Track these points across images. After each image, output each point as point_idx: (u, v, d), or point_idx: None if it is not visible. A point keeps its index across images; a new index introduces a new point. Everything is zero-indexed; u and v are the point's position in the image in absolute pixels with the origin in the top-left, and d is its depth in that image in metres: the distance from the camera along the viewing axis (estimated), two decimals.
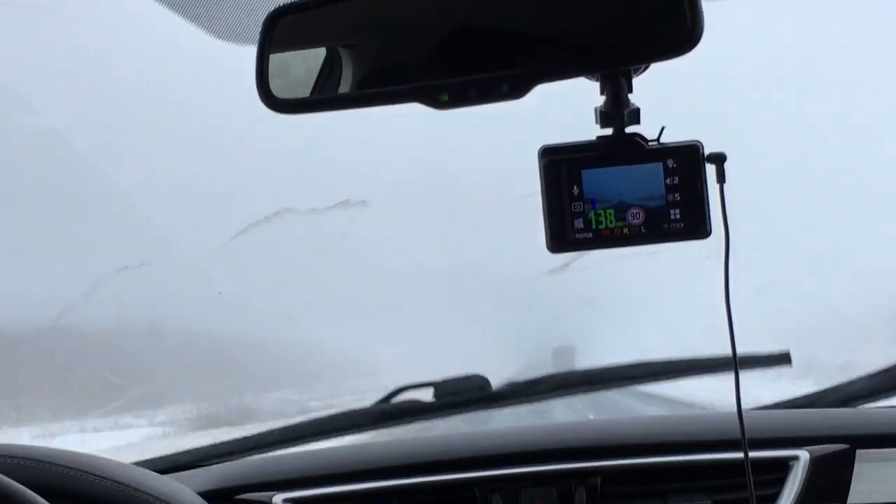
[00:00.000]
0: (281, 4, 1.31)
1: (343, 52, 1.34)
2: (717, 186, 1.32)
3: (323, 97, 1.36)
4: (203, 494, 1.91)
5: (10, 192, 13.68)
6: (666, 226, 1.32)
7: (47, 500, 1.31)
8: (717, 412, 2.36)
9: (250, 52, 1.36)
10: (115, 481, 1.60)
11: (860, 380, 2.39)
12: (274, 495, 2.03)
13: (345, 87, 1.33)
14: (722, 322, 1.40)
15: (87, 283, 11.17)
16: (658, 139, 1.34)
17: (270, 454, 2.47)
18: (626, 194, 1.32)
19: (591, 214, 1.33)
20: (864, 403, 2.35)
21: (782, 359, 2.63)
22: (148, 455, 2.35)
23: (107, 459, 1.70)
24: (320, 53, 1.36)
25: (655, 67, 1.31)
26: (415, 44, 1.30)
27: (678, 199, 1.31)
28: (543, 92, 1.25)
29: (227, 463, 2.30)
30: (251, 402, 13.99)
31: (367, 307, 18.18)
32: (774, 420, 2.16)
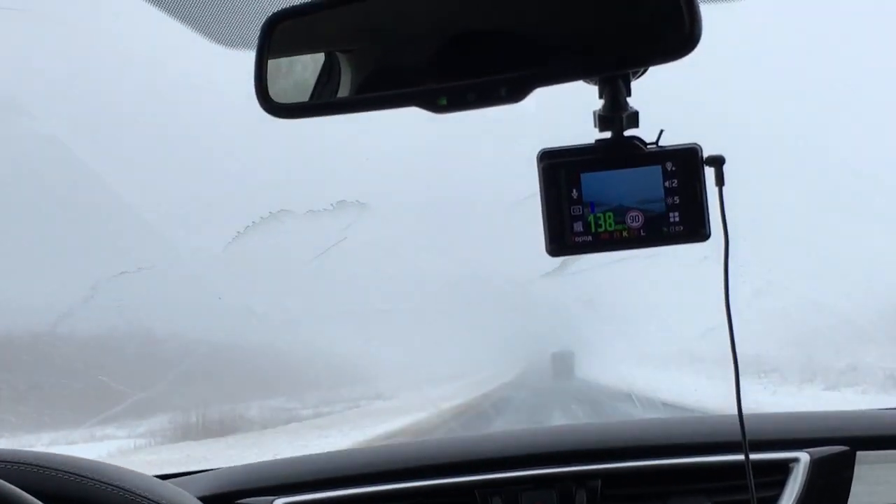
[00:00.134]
0: (279, 9, 1.31)
1: (342, 57, 1.34)
2: (716, 189, 1.33)
3: (322, 102, 1.35)
4: (203, 499, 1.91)
5: (8, 199, 13.67)
6: (665, 229, 1.32)
7: None
8: (717, 414, 2.36)
9: (248, 57, 1.36)
10: (116, 486, 1.60)
11: None
12: (274, 500, 2.03)
13: (343, 91, 1.33)
14: (721, 324, 1.40)
15: (87, 289, 11.16)
16: (657, 142, 1.34)
17: (270, 459, 2.47)
18: (626, 197, 1.32)
19: (591, 218, 1.33)
20: None
21: None
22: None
23: (107, 464, 1.70)
24: (319, 58, 1.36)
25: (654, 70, 1.31)
26: (413, 48, 1.30)
27: (677, 202, 1.31)
28: (542, 96, 1.25)
29: (228, 467, 2.30)
30: (240, 410, 13.97)
31: (366, 312, 18.16)
32: (775, 422, 2.17)
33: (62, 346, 12.06)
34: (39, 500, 1.30)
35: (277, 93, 1.31)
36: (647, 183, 1.32)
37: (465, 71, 1.24)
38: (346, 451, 2.55)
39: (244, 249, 11.63)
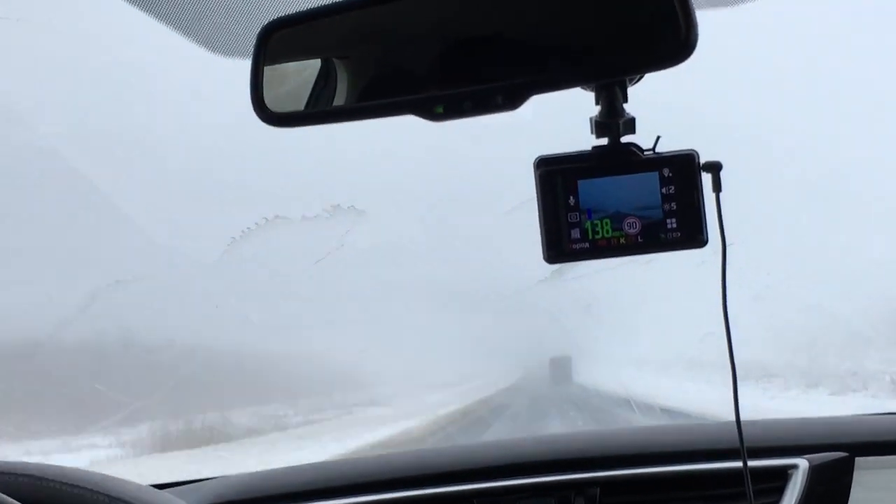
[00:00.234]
0: (274, 18, 1.31)
1: (338, 65, 1.34)
2: (713, 195, 1.32)
3: (318, 110, 1.35)
4: None
5: (6, 208, 13.67)
6: (662, 235, 1.32)
7: None
8: (715, 421, 2.36)
9: (243, 65, 1.36)
10: (114, 497, 1.59)
11: None
12: None
13: (339, 99, 1.33)
14: (719, 329, 1.40)
15: (84, 299, 11.16)
16: (654, 148, 1.34)
17: (265, 469, 2.46)
18: (623, 204, 1.32)
19: (588, 224, 1.33)
20: None
21: None
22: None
23: (106, 475, 1.70)
24: (315, 66, 1.36)
25: (650, 76, 1.31)
26: (410, 56, 1.30)
27: (674, 208, 1.31)
28: (539, 102, 1.25)
29: (223, 477, 2.30)
30: (225, 418, 13.95)
31: (364, 318, 18.16)
32: (773, 428, 2.16)
33: (59, 354, 12.05)
34: None
35: (273, 102, 1.31)
36: (645, 189, 1.32)
37: (461, 79, 1.24)
38: (343, 460, 2.55)
39: (240, 257, 11.62)
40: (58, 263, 14.31)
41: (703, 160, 1.32)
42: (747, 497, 1.47)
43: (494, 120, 1.27)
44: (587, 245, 1.33)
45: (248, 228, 11.05)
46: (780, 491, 1.92)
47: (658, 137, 1.34)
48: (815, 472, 1.93)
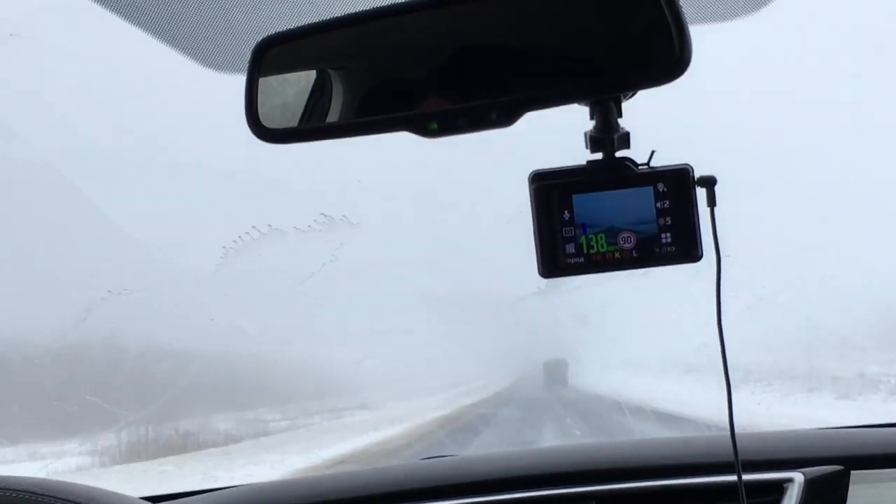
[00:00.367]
0: (268, 35, 1.31)
1: (332, 81, 1.34)
2: (708, 210, 1.33)
3: (312, 126, 1.35)
4: None
5: (0, 222, 13.67)
6: (657, 249, 1.32)
7: None
8: (710, 434, 2.35)
9: (236, 81, 1.36)
10: None
11: None
12: None
13: (334, 116, 1.33)
14: (713, 339, 1.40)
15: (80, 311, 11.14)
16: (648, 163, 1.34)
17: (263, 482, 2.45)
18: (617, 218, 1.32)
19: (583, 239, 1.33)
20: None
21: None
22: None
23: (103, 490, 1.69)
24: (309, 82, 1.36)
25: (644, 92, 1.31)
26: (403, 73, 1.30)
27: (669, 222, 1.31)
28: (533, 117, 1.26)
29: (220, 492, 2.29)
30: (208, 424, 13.89)
31: (360, 329, 18.14)
32: (768, 441, 2.16)
33: (55, 367, 12.03)
34: None
35: (268, 117, 1.31)
36: (639, 204, 1.32)
37: (455, 96, 1.24)
38: (338, 473, 2.54)
39: (235, 269, 11.61)
40: (56, 277, 14.30)
41: (697, 175, 1.33)
42: None
43: (490, 132, 1.27)
44: (582, 259, 1.33)
45: (240, 237, 11.02)
46: None
47: (653, 152, 1.34)
48: (810, 486, 1.92)
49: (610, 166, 1.35)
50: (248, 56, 1.31)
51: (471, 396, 18.77)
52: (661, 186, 1.32)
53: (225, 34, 1.81)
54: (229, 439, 13.56)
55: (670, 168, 1.33)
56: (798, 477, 1.94)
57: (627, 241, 1.32)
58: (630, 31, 1.23)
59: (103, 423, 11.48)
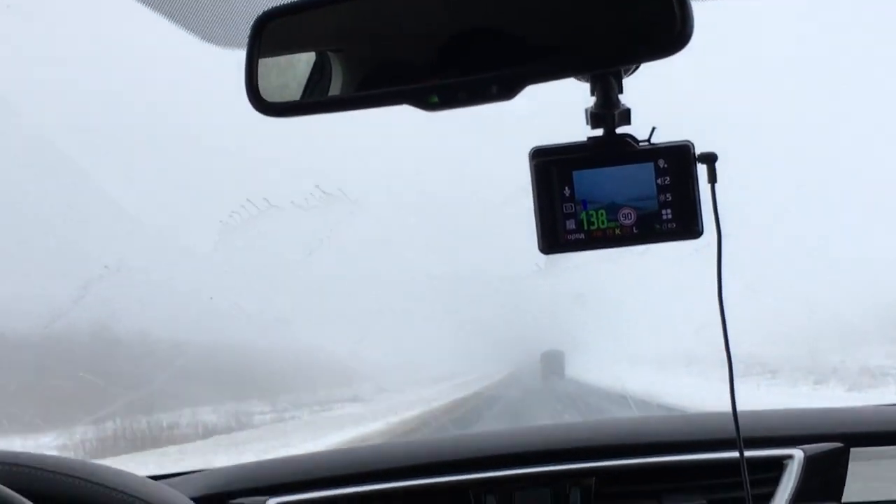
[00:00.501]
0: (269, 8, 1.30)
1: (333, 55, 1.33)
2: (709, 186, 1.32)
3: (312, 100, 1.35)
4: (197, 500, 1.91)
5: None
6: (658, 226, 1.31)
7: None
8: (711, 412, 2.36)
9: (236, 55, 1.35)
10: (109, 487, 1.59)
11: None
12: (266, 500, 2.03)
13: (335, 89, 1.32)
14: (714, 321, 1.40)
15: (77, 290, 11.14)
16: (649, 139, 1.33)
17: (262, 459, 2.46)
18: (618, 195, 1.32)
19: (583, 215, 1.33)
20: None
21: None
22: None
23: (101, 465, 1.69)
24: (310, 56, 1.35)
25: (646, 67, 1.31)
26: (405, 46, 1.29)
27: (669, 199, 1.31)
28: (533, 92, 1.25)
29: (219, 468, 2.30)
30: (181, 417, 13.80)
31: (356, 311, 18.13)
32: (769, 419, 2.16)
33: (53, 346, 12.04)
34: (32, 500, 1.29)
35: (268, 92, 1.31)
36: (640, 180, 1.32)
37: (456, 68, 1.23)
38: (340, 450, 2.55)
39: (234, 247, 11.59)
40: (53, 256, 14.29)
41: (698, 151, 1.32)
42: (744, 487, 1.48)
43: (490, 109, 1.27)
44: (582, 236, 1.33)
45: (233, 212, 10.98)
46: (776, 481, 1.93)
47: (653, 129, 1.34)
48: (810, 463, 1.93)
49: (610, 142, 1.34)
50: (248, 30, 1.31)
51: (465, 389, 18.71)
52: (661, 163, 1.31)
53: (224, 6, 1.81)
54: (206, 433, 13.39)
55: (671, 144, 1.32)
56: (798, 454, 1.95)
57: (628, 218, 1.32)
58: (631, 3, 1.22)
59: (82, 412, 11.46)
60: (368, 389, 17.48)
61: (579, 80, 1.35)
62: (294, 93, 1.34)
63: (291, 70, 1.35)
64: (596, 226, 1.32)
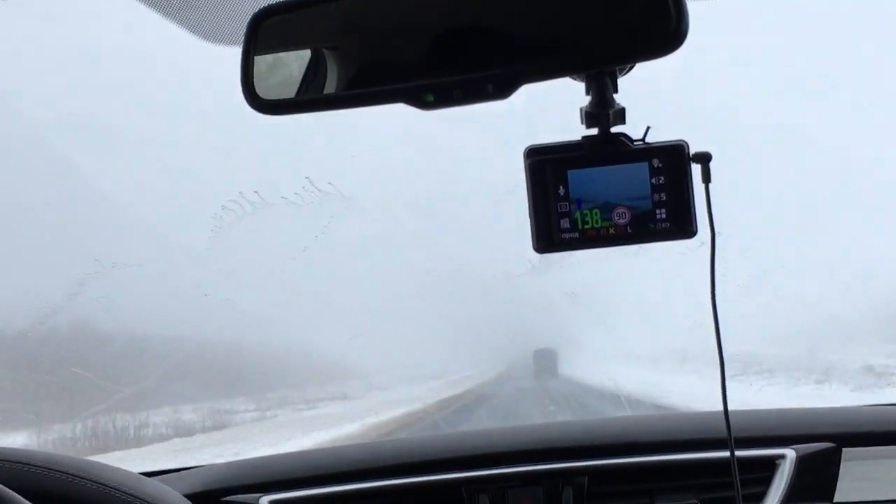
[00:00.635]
0: (265, 6, 1.30)
1: (328, 53, 1.33)
2: (703, 186, 1.33)
3: (308, 98, 1.35)
4: (190, 497, 1.91)
5: None
6: (652, 225, 1.32)
7: (32, 502, 1.30)
8: (703, 411, 2.37)
9: (232, 52, 1.35)
10: (102, 483, 1.59)
11: None
12: (260, 497, 2.03)
13: (330, 87, 1.32)
14: (707, 319, 1.40)
15: (72, 286, 11.12)
16: (643, 139, 1.34)
17: (256, 456, 2.46)
18: (612, 194, 1.32)
19: (577, 214, 1.33)
20: None
21: None
22: None
23: (93, 462, 1.69)
24: (305, 54, 1.35)
25: (641, 67, 1.31)
26: (400, 45, 1.29)
27: (664, 198, 1.31)
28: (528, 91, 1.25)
29: (215, 465, 2.30)
30: (161, 416, 13.69)
31: (348, 308, 18.11)
32: (761, 419, 2.17)
33: (48, 342, 12.02)
34: (24, 497, 1.29)
35: (264, 89, 1.31)
36: (634, 179, 1.32)
37: (451, 67, 1.23)
38: (332, 447, 2.55)
39: (229, 244, 11.57)
40: (48, 253, 14.27)
41: (692, 151, 1.32)
42: (735, 487, 1.48)
43: (484, 107, 1.27)
44: (577, 235, 1.33)
45: (223, 206, 10.94)
46: (768, 481, 1.94)
47: (648, 128, 1.34)
48: (802, 463, 1.94)
49: (605, 142, 1.34)
50: (244, 28, 1.31)
51: (457, 387, 18.64)
52: (656, 162, 1.32)
53: (219, 4, 1.80)
54: (180, 432, 13.22)
55: (666, 144, 1.32)
56: (790, 454, 1.95)
57: (622, 217, 1.32)
58: (626, 3, 1.23)
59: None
60: (358, 387, 17.41)
61: (574, 79, 1.35)
62: (289, 90, 1.34)
63: (287, 68, 1.35)
64: (590, 225, 1.33)
